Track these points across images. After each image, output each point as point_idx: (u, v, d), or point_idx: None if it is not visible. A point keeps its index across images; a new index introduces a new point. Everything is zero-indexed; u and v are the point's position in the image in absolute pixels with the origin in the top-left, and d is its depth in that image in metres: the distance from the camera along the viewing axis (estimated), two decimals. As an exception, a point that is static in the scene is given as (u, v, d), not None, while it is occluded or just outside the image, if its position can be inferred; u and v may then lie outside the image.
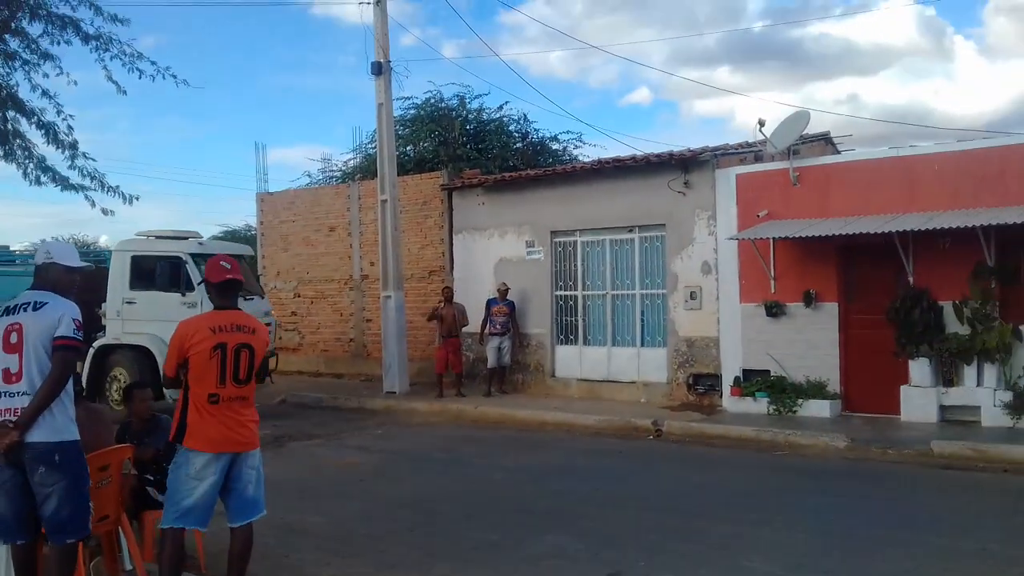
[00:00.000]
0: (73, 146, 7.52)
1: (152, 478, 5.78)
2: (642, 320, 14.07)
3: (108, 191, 7.76)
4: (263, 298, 13.78)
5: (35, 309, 4.43)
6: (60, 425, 4.39)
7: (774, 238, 12.12)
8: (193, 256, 12.43)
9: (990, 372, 10.78)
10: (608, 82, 68.57)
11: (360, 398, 14.64)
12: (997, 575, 5.67)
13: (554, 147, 22.19)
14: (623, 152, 18.60)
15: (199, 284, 11.76)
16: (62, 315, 4.45)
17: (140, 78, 7.88)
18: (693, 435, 11.32)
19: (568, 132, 22.91)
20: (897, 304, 11.38)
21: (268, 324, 12.77)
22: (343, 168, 23.49)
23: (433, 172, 17.71)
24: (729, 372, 12.87)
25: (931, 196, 11.28)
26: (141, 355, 12.55)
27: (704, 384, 13.17)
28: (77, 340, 4.48)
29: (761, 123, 12.56)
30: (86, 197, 7.66)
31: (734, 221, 12.86)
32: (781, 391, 12.14)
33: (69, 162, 7.36)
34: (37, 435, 4.29)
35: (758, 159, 13.24)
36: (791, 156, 12.51)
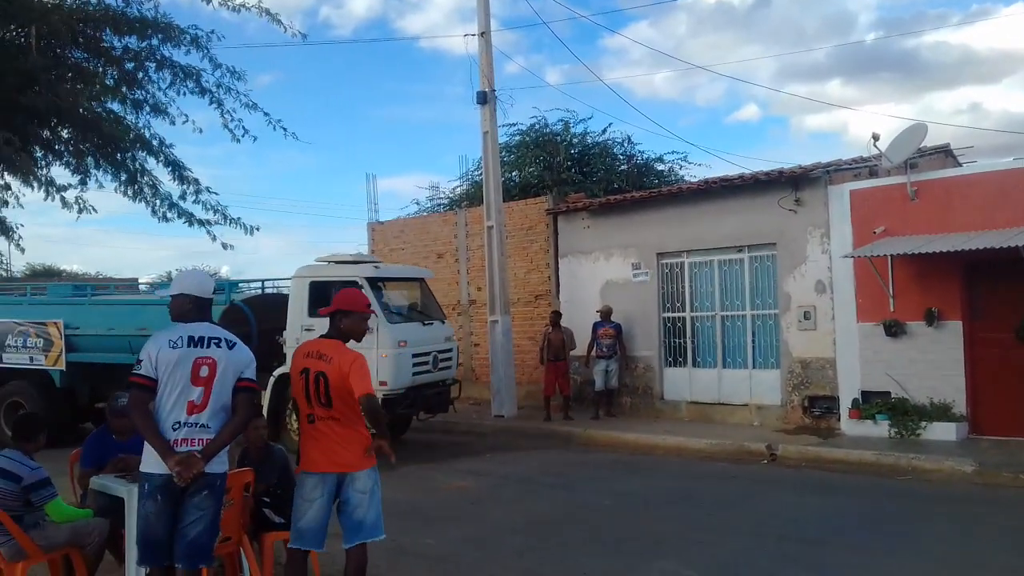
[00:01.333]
0: (197, 181, 7.94)
1: (268, 500, 6.02)
2: (753, 341, 13.77)
3: (230, 223, 8.14)
4: (443, 323, 13.21)
5: (229, 348, 4.72)
6: (224, 458, 4.72)
7: (892, 255, 11.68)
8: (369, 280, 11.90)
9: None
10: (714, 100, 67.78)
11: (470, 422, 14.78)
12: None
13: (659, 168, 22.03)
14: (731, 171, 18.31)
15: (385, 309, 11.78)
16: (251, 359, 4.82)
17: (243, 136, 8.22)
18: (810, 459, 10.98)
19: (673, 152, 22.70)
20: (1027, 322, 10.79)
21: (448, 350, 12.74)
22: (450, 195, 23.89)
23: (538, 197, 17.83)
24: (847, 394, 12.44)
25: (1062, 207, 10.68)
26: None
27: (820, 407, 12.77)
28: (258, 384, 4.86)
29: (875, 137, 12.18)
30: (207, 232, 8.09)
31: (849, 238, 12.47)
32: (903, 413, 11.64)
33: (194, 197, 7.77)
34: (212, 467, 4.57)
35: (873, 174, 12.83)
36: (908, 170, 12.06)
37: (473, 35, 14.89)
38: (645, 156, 22.16)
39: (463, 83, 15.41)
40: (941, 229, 11.53)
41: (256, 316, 12.46)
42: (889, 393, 11.97)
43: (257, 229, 8.86)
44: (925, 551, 6.72)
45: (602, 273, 15.63)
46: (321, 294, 11.64)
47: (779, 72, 59.20)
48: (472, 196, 21.20)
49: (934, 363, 11.66)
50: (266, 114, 7.86)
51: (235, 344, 4.73)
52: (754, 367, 13.70)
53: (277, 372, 12.00)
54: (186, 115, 7.73)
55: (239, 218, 7.87)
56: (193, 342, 4.63)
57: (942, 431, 11.25)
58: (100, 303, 13.90)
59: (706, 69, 62.22)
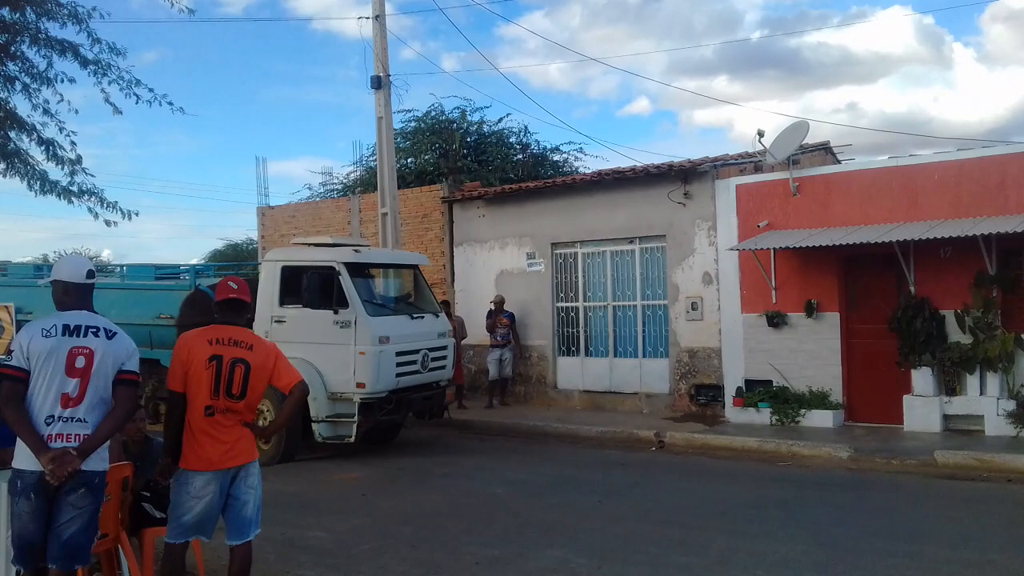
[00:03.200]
0: (75, 162, 7.56)
1: (148, 494, 5.78)
2: (644, 331, 14.05)
3: (106, 206, 7.79)
4: (437, 316, 11.77)
5: (109, 337, 4.43)
6: (105, 455, 4.46)
7: (775, 248, 12.11)
8: (349, 266, 10.63)
9: (993, 381, 10.75)
10: (607, 93, 68.79)
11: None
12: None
13: (555, 158, 22.26)
14: (624, 163, 18.68)
15: (365, 300, 10.61)
16: (134, 350, 4.54)
17: (137, 103, 7.92)
18: (696, 446, 11.29)
19: (569, 143, 23.00)
20: (899, 314, 11.37)
21: (442, 348, 11.47)
22: (344, 181, 23.55)
23: (434, 185, 17.74)
24: (731, 383, 12.85)
25: (932, 205, 11.28)
26: None
27: (706, 395, 13.14)
28: (140, 376, 4.58)
29: (760, 133, 12.59)
30: (89, 209, 7.72)
31: (735, 232, 12.86)
32: (784, 401, 12.11)
33: (69, 178, 7.40)
34: (89, 464, 4.29)
35: (758, 169, 13.25)
36: (791, 166, 12.52)
37: (367, 18, 14.64)
38: (541, 146, 22.39)
39: (358, 67, 15.17)
40: (821, 224, 12.02)
41: None
42: (771, 382, 12.43)
43: (136, 214, 8.53)
44: (802, 534, 6.99)
45: (497, 262, 15.67)
46: (295, 280, 10.68)
47: (669, 67, 60.60)
48: (367, 182, 20.93)
49: (813, 353, 12.16)
50: (150, 89, 7.59)
51: (115, 333, 4.48)
52: (644, 356, 13.99)
53: None
54: (61, 94, 7.38)
55: (116, 202, 7.58)
56: (68, 331, 4.35)
57: (820, 418, 11.75)
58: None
59: (599, 62, 63.11)
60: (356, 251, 11.01)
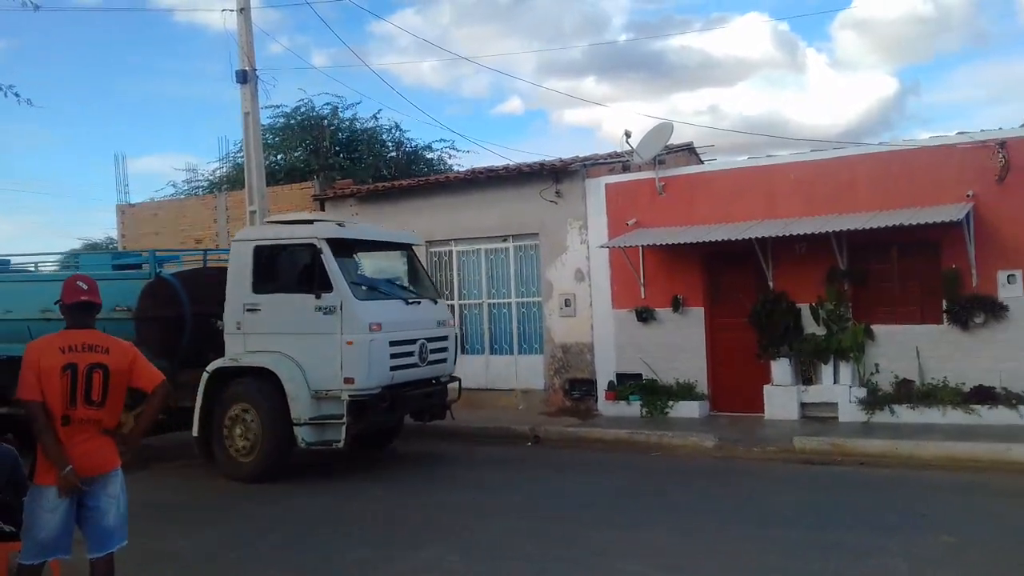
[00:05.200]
0: None
1: (-3, 511, 5.42)
2: (519, 328, 14.18)
3: None
4: (436, 303, 10.60)
5: None
6: None
7: (642, 246, 12.45)
8: (332, 243, 9.35)
9: (845, 370, 11.38)
10: (480, 92, 69.00)
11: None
12: (849, 565, 5.97)
13: (428, 156, 22.15)
14: (497, 161, 18.77)
15: (352, 282, 9.41)
16: None
17: None
18: (570, 440, 11.49)
19: (442, 141, 22.89)
20: (758, 307, 11.88)
21: (443, 338, 10.32)
22: (210, 178, 22.76)
23: (304, 182, 17.36)
24: (603, 377, 13.13)
25: (788, 204, 11.83)
26: (268, 383, 9.22)
27: (580, 389, 13.38)
28: None
29: (627, 134, 12.90)
30: None
31: (605, 229, 13.14)
32: (653, 393, 12.47)
33: None
34: None
35: (626, 169, 13.57)
36: (657, 166, 12.89)
37: (231, 11, 14.18)
38: (414, 144, 22.22)
39: (223, 60, 14.63)
40: (686, 221, 12.43)
41: (189, 295, 10.07)
42: (641, 375, 12.76)
43: None
44: (671, 523, 7.21)
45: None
46: (269, 262, 9.44)
47: (540, 67, 61.27)
48: (234, 179, 20.29)
49: (680, 346, 12.57)
50: (-9, 79, 7.08)
51: None
52: (519, 353, 14.12)
53: (213, 367, 9.50)
54: None
55: None
56: None
57: (687, 409, 12.15)
58: None
59: (471, 60, 63.32)
60: (340, 226, 9.84)
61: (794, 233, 10.90)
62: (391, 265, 11.47)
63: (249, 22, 14.14)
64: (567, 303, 13.54)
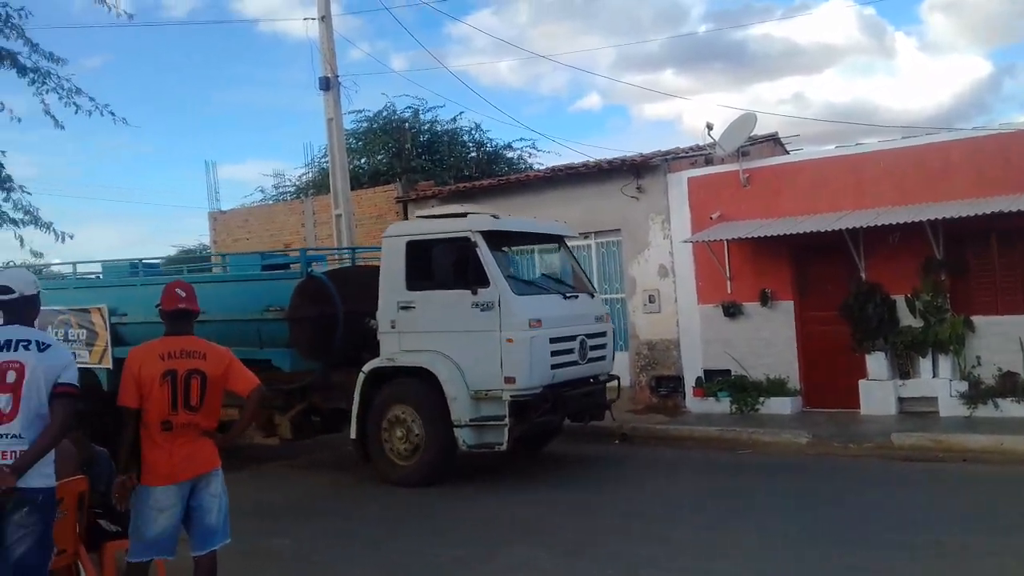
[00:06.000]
0: (7, 180, 7.36)
1: (99, 511, 5.66)
2: (602, 325, 14.06)
3: (42, 227, 7.59)
4: (592, 297, 10.18)
5: (41, 350, 4.27)
6: (48, 471, 4.27)
7: (727, 239, 12.25)
8: (487, 236, 8.94)
9: (945, 363, 10.99)
10: (558, 89, 68.85)
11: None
12: (960, 569, 5.75)
13: (508, 155, 22.24)
14: (577, 159, 18.69)
15: (508, 276, 9.07)
16: (69, 361, 4.37)
17: (76, 113, 7.74)
18: (658, 437, 11.37)
19: (522, 140, 22.91)
20: (850, 300, 11.56)
21: (601, 334, 9.83)
22: (296, 183, 23.32)
23: (388, 185, 17.64)
24: (690, 373, 12.96)
25: (879, 192, 11.48)
26: (425, 383, 8.88)
27: (667, 386, 13.24)
28: (78, 389, 4.36)
29: (709, 126, 12.73)
30: (16, 235, 7.54)
31: (688, 224, 12.97)
32: (742, 390, 12.25)
33: (4, 195, 7.21)
34: (29, 481, 4.11)
35: (708, 162, 13.38)
36: (740, 158, 12.67)
37: (313, 19, 14.50)
38: (494, 144, 22.33)
39: (307, 68, 14.89)
40: (772, 214, 12.18)
41: (341, 293, 9.74)
42: (729, 371, 12.56)
43: (71, 236, 8.34)
44: (763, 521, 7.08)
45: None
46: (423, 258, 8.97)
47: (618, 62, 60.76)
48: (319, 184, 20.75)
49: (769, 341, 12.32)
50: (91, 99, 7.43)
51: (48, 346, 4.32)
52: (603, 350, 14.01)
53: (369, 367, 9.17)
54: (1, 103, 7.19)
55: (51, 223, 7.39)
56: None
57: (778, 405, 11.90)
58: (153, 283, 10.70)
59: (548, 58, 63.31)
60: (494, 218, 9.40)
61: (888, 223, 10.56)
62: (545, 259, 11.17)
63: (330, 30, 14.44)
64: (651, 299, 13.41)
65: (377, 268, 9.67)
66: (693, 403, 12.70)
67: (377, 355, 9.20)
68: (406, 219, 16.28)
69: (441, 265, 8.83)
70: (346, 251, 11.83)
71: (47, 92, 7.41)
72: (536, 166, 21.34)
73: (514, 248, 10.62)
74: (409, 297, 9.06)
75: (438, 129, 21.88)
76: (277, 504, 8.65)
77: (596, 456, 10.55)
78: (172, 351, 4.71)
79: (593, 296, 10.19)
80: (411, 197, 16.25)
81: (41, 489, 4.21)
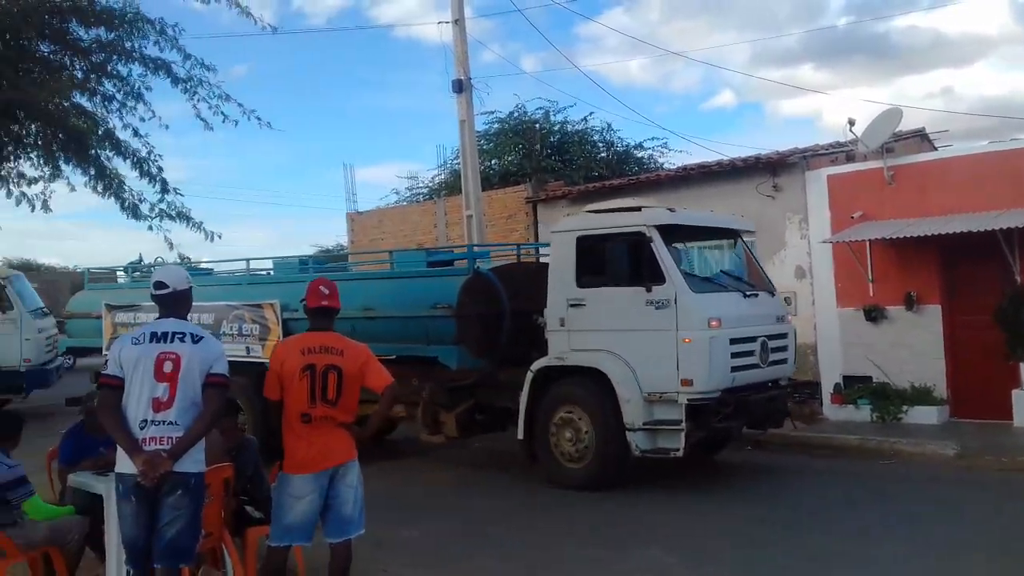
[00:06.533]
0: (165, 181, 7.88)
1: (244, 498, 5.95)
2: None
3: (193, 227, 8.07)
4: (772, 295, 9.67)
5: (195, 342, 4.55)
6: (200, 457, 4.55)
7: (870, 240, 11.73)
8: (663, 231, 8.57)
9: (1111, 373, 10.19)
10: (690, 87, 67.88)
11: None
12: None
13: (639, 155, 22.05)
14: (709, 157, 18.30)
15: (685, 273, 8.77)
16: (221, 353, 4.66)
17: (224, 122, 8.18)
18: (793, 444, 10.96)
19: (653, 139, 22.58)
20: (1005, 305, 10.85)
21: (782, 335, 9.30)
22: (429, 185, 23.83)
23: (518, 185, 17.79)
24: (828, 379, 12.49)
25: (1038, 190, 10.74)
26: (596, 383, 8.56)
27: (803, 392, 12.75)
28: (228, 379, 4.65)
29: (851, 122, 12.23)
30: (165, 238, 8.05)
31: (827, 224, 12.50)
32: (884, 397, 11.70)
33: (160, 197, 7.71)
34: (183, 466, 4.40)
35: (850, 159, 12.87)
36: (884, 155, 12.11)
37: (447, 23, 14.76)
38: (625, 143, 22.18)
39: (439, 71, 15.19)
40: (918, 213, 11.59)
41: (507, 290, 9.54)
42: (871, 378, 12.03)
43: (219, 236, 8.77)
44: (902, 533, 6.77)
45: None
46: (594, 253, 8.64)
47: (752, 58, 59.34)
48: (451, 185, 21.12)
49: (914, 347, 11.73)
50: (240, 104, 7.81)
51: (202, 338, 4.61)
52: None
53: (537, 366, 8.93)
54: (152, 111, 7.67)
55: (202, 223, 7.82)
56: (156, 338, 4.51)
57: (924, 415, 11.31)
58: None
59: (681, 55, 62.36)
60: (671, 211, 9.05)
61: (1047, 222, 9.86)
62: (718, 255, 10.65)
63: (464, 33, 14.65)
64: (787, 301, 12.96)
65: (543, 264, 9.54)
66: (831, 410, 12.22)
67: (544, 353, 8.96)
68: (536, 220, 16.39)
69: (613, 261, 8.51)
70: (511, 247, 11.48)
71: (199, 100, 7.86)
72: (667, 166, 21.08)
73: (688, 243, 10.15)
74: (579, 294, 8.73)
75: (568, 129, 21.92)
76: (408, 496, 8.84)
77: (728, 461, 10.30)
78: (312, 346, 4.90)
79: (773, 295, 9.67)
80: (541, 197, 16.34)
81: (193, 474, 4.48)
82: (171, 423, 4.41)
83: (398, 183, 55.74)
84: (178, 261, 10.61)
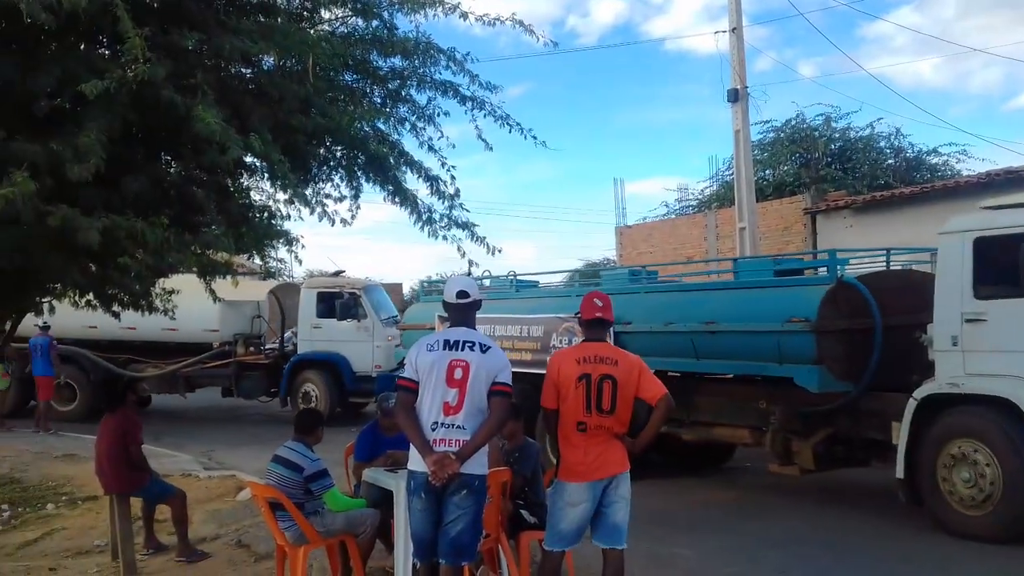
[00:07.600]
0: (454, 196, 8.34)
1: (521, 502, 6.13)
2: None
3: (476, 240, 8.46)
4: None
5: (483, 351, 4.79)
6: (483, 460, 4.79)
7: None
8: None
9: None
10: (990, 86, 61.65)
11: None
12: None
13: (932, 161, 20.35)
14: (1016, 162, 16.43)
15: None
16: (506, 363, 4.88)
17: (510, 132, 8.50)
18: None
19: (951, 144, 20.58)
20: None
21: None
22: (699, 197, 23.53)
23: (794, 196, 17.08)
24: None
25: None
26: (1002, 415, 7.01)
27: None
28: (512, 388, 4.84)
29: None
30: (458, 248, 8.50)
31: None
32: None
33: (448, 211, 8.16)
34: (469, 468, 4.65)
35: None
36: None
37: (723, 32, 14.53)
38: (916, 150, 20.59)
39: (710, 83, 15.02)
40: None
41: (881, 302, 8.14)
42: None
43: (500, 251, 9.10)
44: None
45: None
46: (999, 258, 7.22)
47: (1072, 50, 52.64)
48: (722, 197, 20.73)
49: None
50: (518, 124, 8.08)
51: (489, 348, 4.81)
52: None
53: (923, 393, 7.46)
54: (441, 131, 8.15)
55: (484, 237, 8.15)
56: (448, 345, 4.76)
57: None
58: (657, 290, 10.46)
59: (983, 52, 56.80)
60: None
61: None
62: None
63: (741, 41, 14.38)
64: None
65: (923, 273, 8.51)
66: None
67: (926, 377, 7.60)
68: (814, 232, 15.63)
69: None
70: (879, 252, 9.99)
71: (484, 117, 8.27)
72: (964, 172, 19.27)
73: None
74: (978, 307, 7.19)
75: (851, 136, 20.72)
76: (678, 513, 8.70)
77: None
78: (588, 356, 4.98)
79: None
80: (820, 208, 15.57)
81: (477, 475, 4.71)
82: (459, 427, 4.66)
83: (667, 196, 55.45)
84: (482, 273, 11.00)
